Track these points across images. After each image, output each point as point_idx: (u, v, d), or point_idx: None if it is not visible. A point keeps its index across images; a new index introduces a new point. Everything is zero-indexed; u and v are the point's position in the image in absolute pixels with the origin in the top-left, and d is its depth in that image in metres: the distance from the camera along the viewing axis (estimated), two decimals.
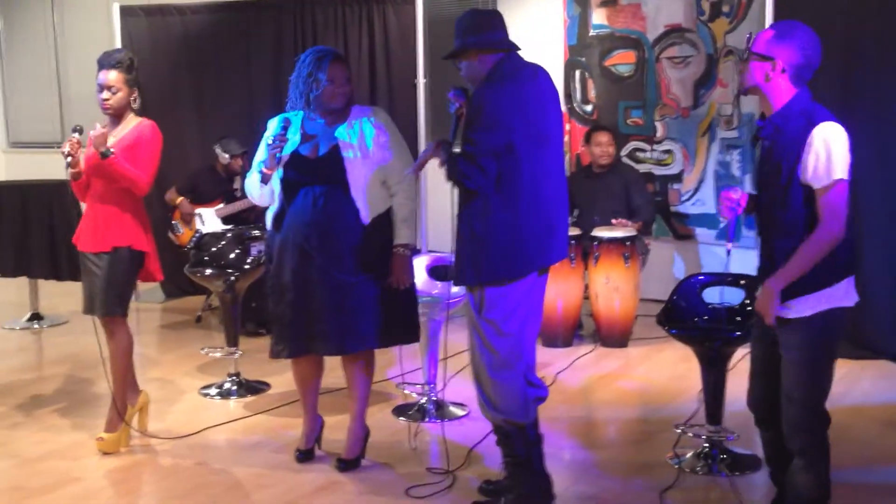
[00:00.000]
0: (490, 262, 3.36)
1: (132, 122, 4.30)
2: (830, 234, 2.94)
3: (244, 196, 6.67)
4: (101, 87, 4.21)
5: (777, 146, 3.03)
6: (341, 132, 3.88)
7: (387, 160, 3.88)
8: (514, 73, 3.40)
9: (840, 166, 2.92)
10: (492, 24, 3.48)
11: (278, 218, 3.96)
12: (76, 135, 4.20)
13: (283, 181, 3.93)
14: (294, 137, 3.96)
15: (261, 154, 3.96)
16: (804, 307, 3.03)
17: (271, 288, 4.01)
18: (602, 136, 6.45)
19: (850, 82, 5.45)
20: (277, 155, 3.88)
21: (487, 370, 3.44)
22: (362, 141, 3.86)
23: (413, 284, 4.04)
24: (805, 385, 3.08)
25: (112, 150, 4.11)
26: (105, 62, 4.21)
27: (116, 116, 4.27)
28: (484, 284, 3.39)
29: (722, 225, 6.85)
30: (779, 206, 3.02)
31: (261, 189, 3.99)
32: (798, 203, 2.99)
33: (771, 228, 3.11)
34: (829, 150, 2.91)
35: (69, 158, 4.14)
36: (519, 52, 3.50)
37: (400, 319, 3.99)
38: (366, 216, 3.85)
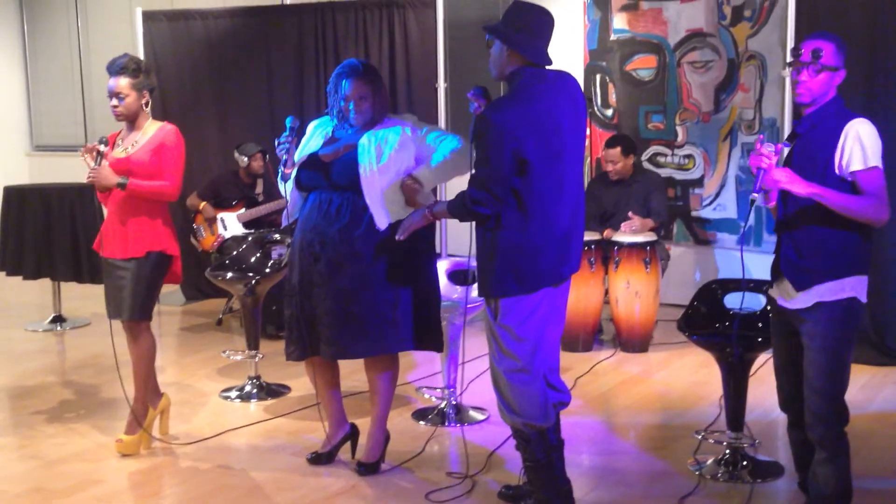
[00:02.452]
0: (500, 277, 3.35)
1: (151, 126, 4.30)
2: (877, 212, 3.08)
3: (266, 200, 6.74)
4: (110, 95, 4.22)
5: (812, 140, 3.18)
6: (363, 138, 3.87)
7: (418, 163, 3.86)
8: (528, 88, 3.32)
9: (875, 155, 3.09)
10: (539, 32, 3.37)
11: (292, 218, 4.01)
12: (102, 146, 4.19)
13: (297, 182, 3.96)
14: (317, 141, 3.97)
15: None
16: (828, 293, 3.13)
17: (285, 290, 4.05)
18: (613, 153, 6.29)
19: (871, 88, 5.43)
20: (283, 156, 3.91)
21: (505, 375, 3.44)
22: (381, 149, 3.83)
23: (437, 291, 4.03)
24: (826, 374, 3.18)
25: (126, 179, 4.12)
26: (111, 69, 4.21)
27: (131, 122, 4.28)
28: (494, 297, 3.40)
29: (743, 230, 6.82)
30: (811, 200, 3.10)
31: (283, 187, 4.04)
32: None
33: (799, 219, 3.18)
34: (862, 141, 3.07)
35: (94, 179, 4.14)
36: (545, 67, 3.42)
37: (419, 326, 3.97)
38: (383, 221, 3.81)
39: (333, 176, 3.86)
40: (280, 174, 3.98)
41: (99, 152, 4.16)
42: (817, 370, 3.18)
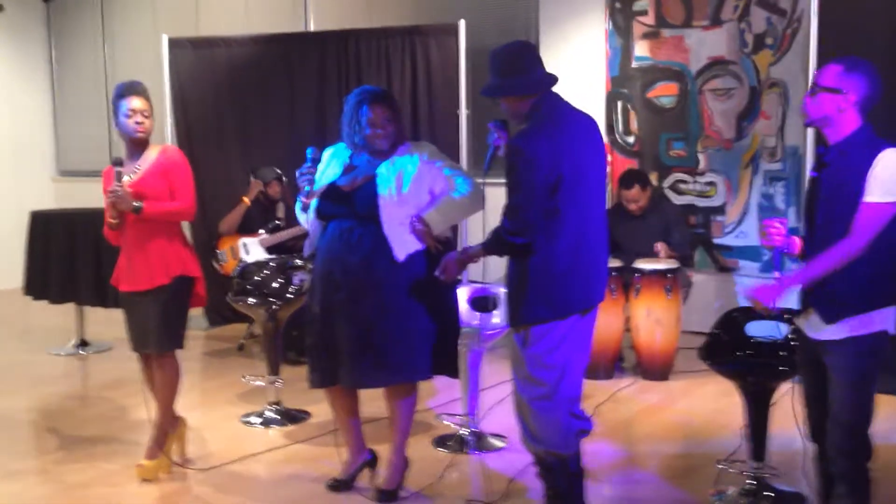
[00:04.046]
0: (530, 304, 3.36)
1: (154, 149, 4.33)
2: (849, 249, 3.04)
3: (289, 225, 6.77)
4: (134, 112, 4.21)
5: (841, 170, 3.11)
6: (381, 167, 3.89)
7: (431, 195, 3.87)
8: (551, 116, 3.36)
9: (889, 191, 3.02)
10: (526, 65, 3.43)
11: (313, 247, 4.03)
12: (118, 167, 4.18)
13: (317, 211, 3.98)
14: (335, 170, 3.99)
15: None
16: (857, 326, 3.09)
17: (307, 318, 4.07)
18: (630, 194, 6.29)
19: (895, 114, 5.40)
20: (306, 187, 3.93)
21: (529, 402, 3.43)
22: (400, 179, 3.84)
23: (456, 318, 4.04)
24: (852, 407, 3.13)
25: (140, 203, 4.13)
26: (132, 90, 4.23)
27: (140, 145, 4.29)
28: (525, 325, 3.40)
29: (765, 257, 6.79)
30: (841, 226, 3.08)
31: (303, 215, 4.06)
32: None
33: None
34: (882, 172, 3.01)
35: (113, 199, 4.13)
36: (556, 90, 3.46)
37: (438, 354, 3.97)
38: (401, 253, 3.83)
39: (356, 206, 3.87)
40: (300, 204, 4.01)
41: (119, 173, 4.16)
42: (842, 404, 3.14)
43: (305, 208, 4.00)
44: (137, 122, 4.23)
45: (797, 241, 3.34)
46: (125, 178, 4.18)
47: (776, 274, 3.33)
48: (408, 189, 3.83)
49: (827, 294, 3.13)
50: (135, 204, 4.13)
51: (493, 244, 3.42)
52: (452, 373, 4.09)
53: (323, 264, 3.94)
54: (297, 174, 3.96)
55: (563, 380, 3.41)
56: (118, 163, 4.20)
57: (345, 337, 3.88)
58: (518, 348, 3.43)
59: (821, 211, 3.16)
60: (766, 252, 6.80)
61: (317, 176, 4.02)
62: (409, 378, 3.98)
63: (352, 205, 3.88)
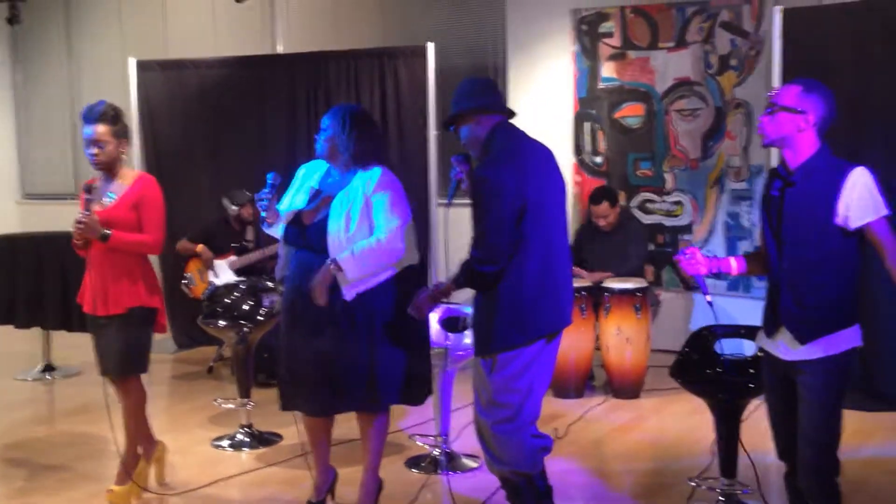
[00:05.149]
0: (500, 331, 3.38)
1: (129, 176, 4.23)
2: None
3: (258, 247, 6.74)
4: (88, 143, 4.11)
5: (806, 192, 3.14)
6: (338, 197, 3.88)
7: (370, 228, 3.84)
8: (510, 144, 3.44)
9: (881, 203, 3.10)
10: (486, 90, 3.58)
11: (283, 270, 4.04)
12: (87, 194, 4.12)
13: (283, 239, 4.00)
14: (302, 197, 3.99)
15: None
16: (829, 346, 3.12)
17: (278, 342, 4.09)
18: (601, 209, 6.38)
19: (859, 138, 5.50)
20: (262, 213, 3.96)
21: (491, 426, 3.45)
22: (349, 216, 3.82)
23: (420, 344, 4.03)
24: (824, 426, 3.17)
25: (109, 231, 4.04)
26: (89, 116, 4.11)
27: (109, 170, 4.18)
28: (496, 352, 3.41)
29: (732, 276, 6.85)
30: (810, 246, 3.13)
31: (272, 232, 4.07)
32: (831, 243, 3.11)
33: (800, 271, 3.17)
34: (870, 190, 3.07)
35: (81, 227, 4.04)
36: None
37: (400, 383, 3.97)
38: (350, 293, 3.81)
39: (310, 239, 3.88)
40: (264, 224, 4.03)
41: (88, 201, 4.10)
42: (813, 422, 3.16)
43: (270, 227, 4.03)
44: (92, 154, 4.12)
45: (731, 262, 3.38)
46: (95, 206, 4.12)
47: (707, 297, 3.37)
48: (353, 230, 3.81)
49: (800, 315, 3.16)
50: (103, 232, 4.05)
51: (464, 277, 3.43)
52: (416, 401, 4.09)
53: (287, 293, 3.97)
54: (256, 199, 3.97)
55: (526, 402, 3.44)
56: (88, 189, 4.15)
57: (305, 366, 3.89)
58: (484, 374, 3.45)
59: (788, 230, 3.19)
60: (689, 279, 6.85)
61: (283, 200, 4.03)
62: (369, 409, 3.98)
63: (308, 238, 3.89)
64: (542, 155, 3.53)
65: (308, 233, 3.89)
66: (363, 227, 3.82)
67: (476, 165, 3.47)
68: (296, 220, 3.95)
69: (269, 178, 3.99)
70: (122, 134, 4.18)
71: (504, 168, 3.35)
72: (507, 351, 3.39)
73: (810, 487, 3.20)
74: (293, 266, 3.96)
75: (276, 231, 4.05)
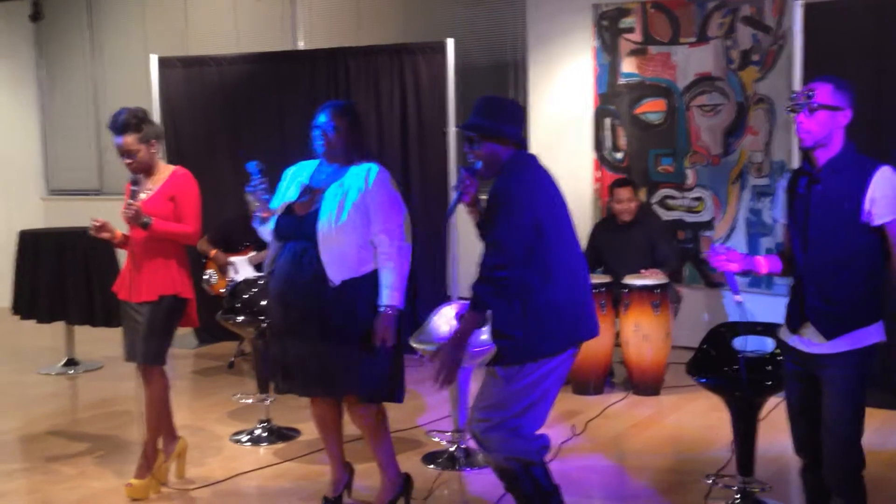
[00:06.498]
0: (534, 342, 3.35)
1: (165, 171, 4.37)
2: None
3: None
4: (120, 152, 4.27)
5: (833, 189, 3.16)
6: (331, 188, 3.90)
7: (368, 224, 3.85)
8: (525, 164, 3.49)
9: None
10: (518, 117, 3.60)
11: (272, 265, 4.03)
12: (134, 188, 4.27)
13: (275, 233, 3.99)
14: (293, 191, 4.00)
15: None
16: (859, 339, 3.14)
17: (268, 330, 4.13)
18: (623, 193, 6.39)
19: (879, 133, 5.45)
20: (262, 197, 3.95)
21: (500, 422, 3.39)
22: (341, 207, 3.84)
23: (398, 345, 4.00)
24: (849, 419, 3.17)
25: (150, 218, 4.18)
26: (114, 128, 4.25)
27: (146, 171, 4.34)
28: (523, 361, 3.38)
29: (727, 279, 6.80)
30: (836, 243, 3.14)
31: (262, 230, 4.07)
32: (857, 240, 3.13)
33: (826, 266, 3.17)
34: (894, 189, 3.10)
35: (126, 213, 4.19)
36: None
37: (380, 378, 3.95)
38: (335, 277, 3.83)
39: (302, 229, 3.89)
40: (258, 219, 4.01)
41: (134, 192, 4.25)
42: (839, 416, 3.17)
43: (264, 223, 4.01)
44: (127, 162, 4.28)
45: (762, 261, 3.38)
46: (142, 195, 4.28)
47: (737, 297, 3.36)
48: (344, 220, 3.82)
49: (826, 311, 3.17)
50: (144, 220, 4.18)
51: (479, 289, 3.36)
52: (397, 398, 4.06)
53: (277, 284, 3.96)
54: (250, 189, 3.94)
55: (536, 408, 3.41)
56: (135, 182, 4.29)
57: (295, 353, 3.92)
58: (502, 384, 3.40)
59: (815, 227, 3.19)
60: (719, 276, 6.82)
61: (276, 192, 4.05)
62: (353, 391, 3.93)
63: (300, 228, 3.90)
64: (551, 178, 3.55)
65: (303, 223, 3.89)
66: (354, 220, 3.82)
67: (494, 181, 3.46)
68: (288, 213, 3.96)
69: (253, 166, 4.00)
70: (150, 137, 4.30)
71: (523, 178, 3.40)
72: (534, 361, 3.37)
73: (837, 482, 3.20)
74: (284, 257, 3.94)
75: (266, 230, 4.04)
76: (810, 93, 3.17)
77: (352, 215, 3.84)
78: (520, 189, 3.36)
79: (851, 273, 3.14)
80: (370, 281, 3.89)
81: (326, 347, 3.85)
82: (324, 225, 3.83)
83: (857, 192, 3.10)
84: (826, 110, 3.14)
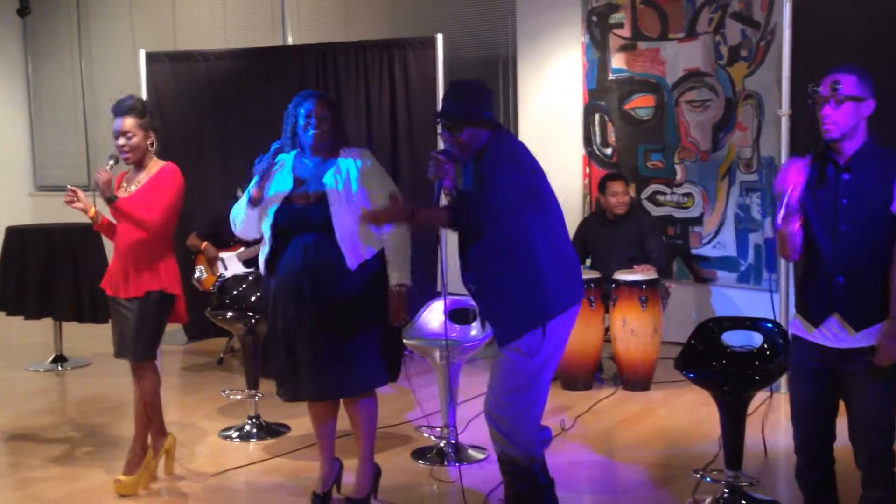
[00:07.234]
0: (555, 293, 3.43)
1: (154, 166, 4.35)
2: None
3: None
4: (118, 134, 4.27)
5: (862, 180, 3.16)
6: (329, 178, 3.90)
7: (369, 206, 3.84)
8: (511, 136, 3.60)
9: None
10: (490, 99, 3.62)
11: (271, 262, 3.99)
12: (111, 161, 4.28)
13: (274, 227, 3.95)
14: (285, 182, 3.98)
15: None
16: None
17: (271, 333, 4.07)
18: (617, 186, 6.40)
19: (868, 126, 5.45)
20: (261, 168, 3.93)
21: (513, 397, 3.42)
22: (348, 188, 3.87)
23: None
24: (889, 410, 3.17)
25: (115, 195, 4.16)
26: (118, 110, 4.28)
27: (137, 162, 4.32)
28: (543, 323, 3.41)
29: (742, 268, 6.84)
30: (867, 234, 3.14)
31: (246, 215, 4.00)
32: (888, 230, 3.12)
33: (855, 257, 3.16)
34: None
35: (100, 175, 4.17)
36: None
37: (390, 358, 4.04)
38: (352, 263, 3.85)
39: (310, 221, 3.88)
40: (248, 195, 3.96)
41: (113, 157, 4.29)
42: (877, 407, 3.15)
43: (255, 202, 3.95)
44: (121, 145, 4.27)
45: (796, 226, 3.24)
46: (132, 188, 4.29)
47: (781, 213, 3.17)
48: (354, 203, 3.85)
49: (856, 303, 3.15)
50: (110, 194, 4.15)
51: (458, 214, 3.39)
52: (395, 377, 4.12)
53: (288, 280, 3.91)
54: (256, 161, 3.95)
55: (546, 373, 3.46)
56: (115, 159, 4.31)
57: (311, 351, 3.89)
58: (525, 360, 3.40)
59: (845, 218, 3.17)
60: (742, 262, 6.85)
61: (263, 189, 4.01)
62: (374, 385, 4.00)
63: (307, 221, 3.89)
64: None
65: (309, 213, 3.88)
66: (362, 203, 3.84)
67: (479, 162, 3.45)
68: (287, 210, 3.93)
69: (275, 146, 4.01)
70: (149, 127, 4.34)
71: (514, 146, 3.51)
72: (558, 315, 3.42)
73: (873, 475, 3.18)
74: (291, 252, 3.91)
75: (249, 231, 4.04)
76: (836, 84, 3.14)
77: (360, 199, 3.87)
78: (516, 151, 3.45)
79: (883, 264, 3.12)
80: (378, 262, 3.93)
81: (342, 343, 3.85)
82: (336, 211, 3.84)
83: (887, 183, 3.10)
84: (852, 101, 3.13)
